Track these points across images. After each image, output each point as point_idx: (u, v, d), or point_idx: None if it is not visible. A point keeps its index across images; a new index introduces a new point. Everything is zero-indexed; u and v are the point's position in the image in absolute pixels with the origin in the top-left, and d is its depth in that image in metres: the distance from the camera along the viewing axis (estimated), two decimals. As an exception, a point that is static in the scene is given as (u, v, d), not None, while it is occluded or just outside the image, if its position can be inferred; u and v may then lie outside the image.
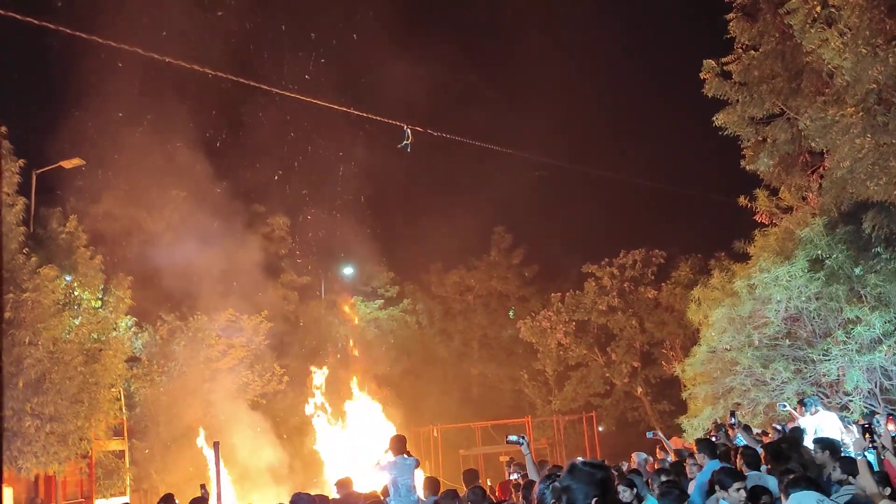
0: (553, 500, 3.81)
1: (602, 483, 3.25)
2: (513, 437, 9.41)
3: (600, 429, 30.98)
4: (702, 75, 17.98)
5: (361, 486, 10.39)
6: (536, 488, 4.21)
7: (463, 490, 8.73)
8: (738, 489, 5.59)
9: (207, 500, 10.70)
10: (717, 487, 6.00)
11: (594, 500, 3.15)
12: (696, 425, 18.13)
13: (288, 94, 15.34)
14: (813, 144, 15.00)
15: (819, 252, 16.45)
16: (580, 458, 3.45)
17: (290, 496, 6.65)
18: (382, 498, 9.37)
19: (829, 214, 16.76)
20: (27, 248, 16.55)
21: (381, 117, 13.85)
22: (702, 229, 32.39)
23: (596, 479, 3.24)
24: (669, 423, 27.42)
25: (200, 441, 19.73)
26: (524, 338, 33.50)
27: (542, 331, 33.04)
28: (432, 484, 9.33)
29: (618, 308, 32.57)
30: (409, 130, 13.22)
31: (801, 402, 13.55)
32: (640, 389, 32.82)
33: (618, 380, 32.94)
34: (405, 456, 9.91)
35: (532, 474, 8.44)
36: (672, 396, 32.28)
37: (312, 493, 9.22)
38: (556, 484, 3.30)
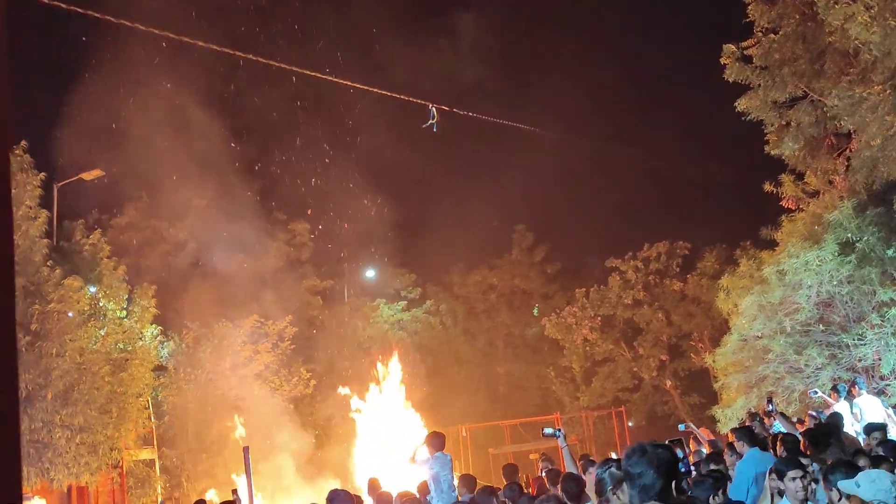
0: (612, 486, 3.67)
1: (668, 463, 3.17)
2: (549, 430, 9.29)
3: (630, 424, 30.68)
4: (722, 60, 17.73)
5: (392, 484, 10.27)
6: (594, 474, 4.07)
7: (500, 484, 8.58)
8: (794, 478, 5.37)
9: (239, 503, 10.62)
10: (773, 476, 5.79)
11: (661, 481, 3.03)
12: (729, 415, 17.87)
13: (309, 73, 15.01)
14: (841, 124, 14.73)
15: (849, 235, 16.14)
16: (644, 441, 3.35)
17: (327, 494, 6.54)
18: (418, 496, 9.24)
19: (857, 196, 16.46)
20: (51, 261, 16.63)
21: (405, 96, 13.58)
22: (726, 219, 31.98)
23: (662, 460, 3.14)
24: (700, 416, 27.12)
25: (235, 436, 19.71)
26: (549, 335, 33.28)
27: (568, 327, 32.81)
28: (468, 481, 9.21)
29: (643, 301, 32.26)
30: (434, 109, 13.10)
31: (835, 389, 13.33)
32: (668, 383, 32.49)
33: (646, 374, 32.62)
34: (443, 452, 9.81)
35: (569, 466, 8.30)
36: (702, 389, 31.95)
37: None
38: (614, 469, 3.20)
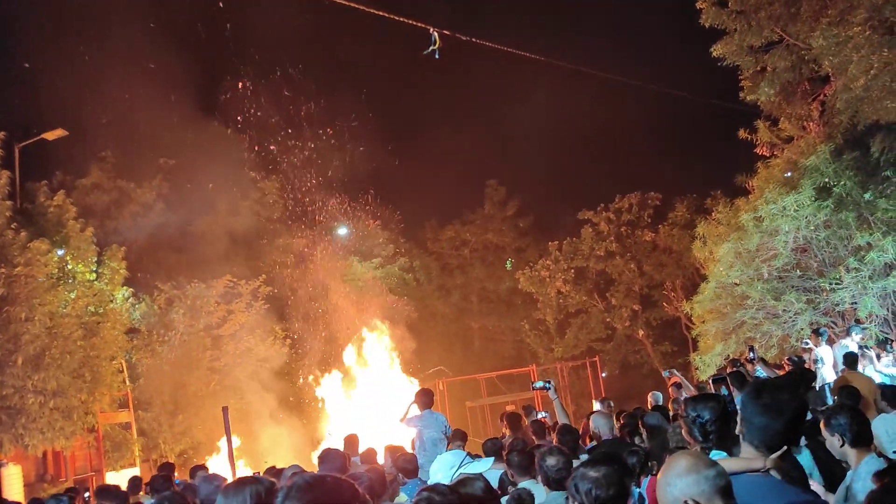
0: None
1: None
2: (539, 383, 9.17)
3: (604, 374, 30.94)
4: (698, 5, 17.51)
5: (378, 441, 10.12)
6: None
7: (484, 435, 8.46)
8: None
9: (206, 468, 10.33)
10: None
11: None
12: (707, 362, 18.00)
13: None
14: (818, 67, 14.61)
15: (826, 180, 16.16)
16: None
17: (319, 454, 6.36)
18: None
19: (834, 141, 16.45)
20: (15, 223, 16.11)
21: (404, 18, 12.62)
22: (696, 169, 32.11)
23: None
24: (672, 364, 27.40)
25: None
26: (523, 288, 33.37)
27: (541, 280, 32.91)
28: (460, 434, 9.13)
29: (616, 253, 32.42)
30: (436, 34, 12.46)
31: (816, 332, 13.41)
32: (641, 332, 32.81)
33: (618, 324, 32.90)
34: (432, 411, 9.67)
35: (562, 417, 8.20)
36: (674, 337, 32.36)
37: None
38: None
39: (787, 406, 3.10)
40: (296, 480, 2.32)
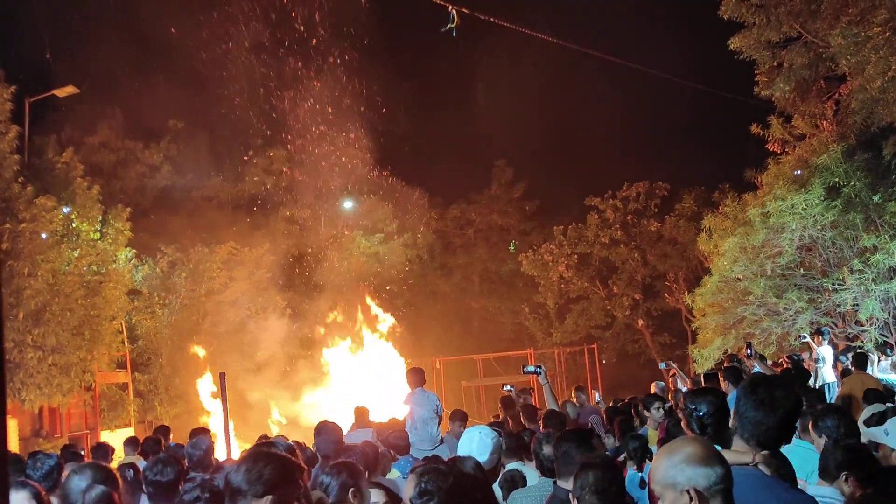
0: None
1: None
2: (530, 368, 9.19)
3: (603, 361, 30.97)
4: (718, -4, 17.36)
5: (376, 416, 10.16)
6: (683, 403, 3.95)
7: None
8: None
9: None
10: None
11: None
12: (706, 355, 18.01)
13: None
14: (835, 66, 14.48)
15: (836, 180, 16.08)
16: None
17: (315, 426, 6.38)
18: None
19: (847, 141, 16.35)
20: (22, 178, 16.10)
21: None
22: (706, 162, 31.88)
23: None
24: (670, 355, 27.36)
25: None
26: (525, 271, 33.31)
27: (544, 264, 32.84)
28: (460, 414, 9.16)
29: (620, 241, 32.33)
30: (454, 12, 12.35)
31: (819, 332, 13.39)
32: (641, 322, 32.76)
33: (619, 312, 32.86)
34: (423, 389, 9.67)
35: (550, 403, 8.22)
36: (673, 328, 32.32)
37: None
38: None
39: (781, 402, 3.09)
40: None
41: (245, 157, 26.16)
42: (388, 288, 29.41)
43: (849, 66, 13.86)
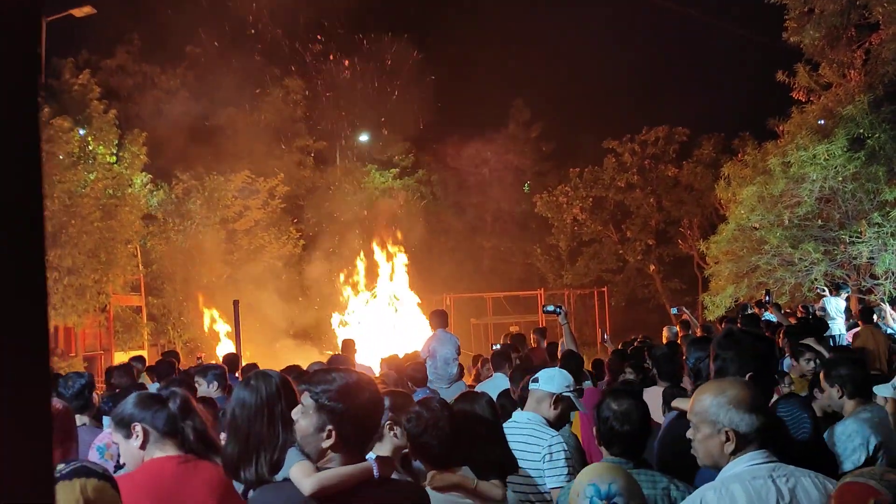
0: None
1: (763, 357, 3.02)
2: (550, 307, 9.19)
3: (612, 303, 31.04)
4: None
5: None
6: (690, 356, 3.93)
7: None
8: (809, 360, 5.34)
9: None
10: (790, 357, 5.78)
11: (748, 374, 2.83)
12: (717, 303, 18.01)
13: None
14: (878, 11, 14.10)
15: (861, 131, 15.83)
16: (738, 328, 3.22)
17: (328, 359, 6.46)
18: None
19: (874, 92, 16.04)
20: (39, 98, 15.99)
21: None
22: (727, 108, 31.38)
23: (758, 353, 2.99)
24: (680, 301, 27.31)
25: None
26: (539, 212, 33.16)
27: (558, 206, 32.68)
28: (507, 356, 9.09)
29: (636, 185, 32.09)
30: None
31: (838, 287, 13.40)
32: (652, 267, 32.70)
33: (631, 257, 32.81)
34: (445, 330, 9.79)
35: (569, 343, 8.25)
36: (684, 275, 32.29)
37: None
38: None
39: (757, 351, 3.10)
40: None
41: (261, 88, 25.88)
42: (400, 223, 29.39)
43: (883, 14, 13.52)
